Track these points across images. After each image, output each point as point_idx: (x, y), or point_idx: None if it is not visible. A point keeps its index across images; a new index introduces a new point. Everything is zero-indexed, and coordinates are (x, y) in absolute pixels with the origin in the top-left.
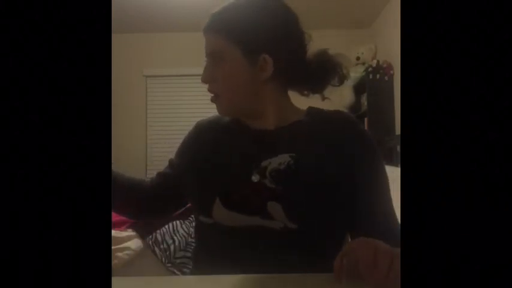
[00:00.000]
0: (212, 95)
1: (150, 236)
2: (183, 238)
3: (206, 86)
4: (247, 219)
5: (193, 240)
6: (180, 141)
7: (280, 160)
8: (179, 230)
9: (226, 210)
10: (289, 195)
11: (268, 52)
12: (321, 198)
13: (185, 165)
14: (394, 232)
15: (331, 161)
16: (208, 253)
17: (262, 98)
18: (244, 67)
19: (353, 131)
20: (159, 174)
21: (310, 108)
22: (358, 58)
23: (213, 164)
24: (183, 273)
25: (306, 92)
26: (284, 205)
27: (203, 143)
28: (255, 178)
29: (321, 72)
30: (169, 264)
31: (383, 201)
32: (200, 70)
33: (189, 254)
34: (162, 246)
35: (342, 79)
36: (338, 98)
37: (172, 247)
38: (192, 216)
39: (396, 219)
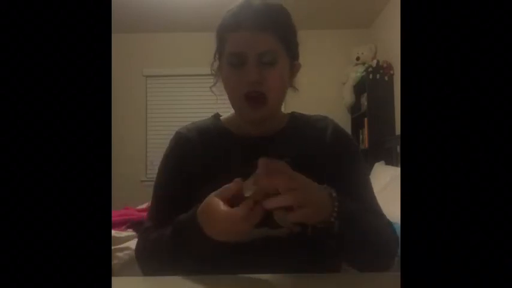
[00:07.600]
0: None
1: None
2: None
3: (206, 85)
4: (255, 232)
5: None
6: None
7: None
8: None
9: None
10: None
11: (299, 59)
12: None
13: (184, 194)
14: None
15: (318, 162)
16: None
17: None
18: (287, 71)
19: (335, 134)
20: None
21: (293, 114)
22: (358, 58)
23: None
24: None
25: None
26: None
27: (201, 161)
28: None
29: None
30: None
31: (369, 199)
32: (200, 70)
33: None
34: None
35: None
36: (338, 98)
37: None
38: None
39: (383, 214)
